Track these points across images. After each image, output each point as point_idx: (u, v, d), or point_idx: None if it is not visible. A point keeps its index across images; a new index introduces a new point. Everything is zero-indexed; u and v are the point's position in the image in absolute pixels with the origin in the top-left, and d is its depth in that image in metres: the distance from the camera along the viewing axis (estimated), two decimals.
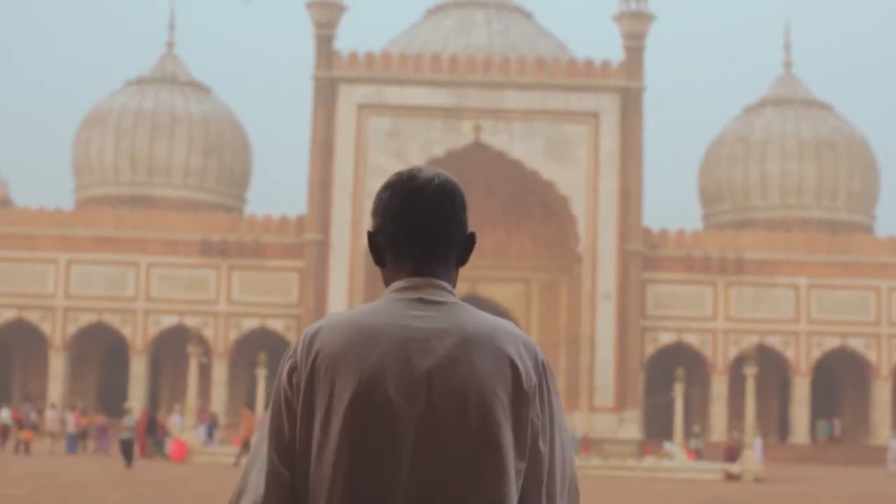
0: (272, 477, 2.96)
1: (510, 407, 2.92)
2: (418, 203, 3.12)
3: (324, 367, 2.95)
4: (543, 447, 2.98)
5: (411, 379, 2.90)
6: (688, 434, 57.30)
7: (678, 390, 54.12)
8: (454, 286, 3.13)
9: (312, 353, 2.98)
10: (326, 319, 3.07)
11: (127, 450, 37.61)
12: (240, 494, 3.02)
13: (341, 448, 2.90)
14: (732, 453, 47.88)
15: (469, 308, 3.06)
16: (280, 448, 2.99)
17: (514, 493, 2.90)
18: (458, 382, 2.90)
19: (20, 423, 46.93)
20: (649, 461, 47.89)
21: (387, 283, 3.15)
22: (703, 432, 57.62)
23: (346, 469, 2.88)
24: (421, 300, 3.02)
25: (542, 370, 3.02)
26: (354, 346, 2.93)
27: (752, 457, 43.11)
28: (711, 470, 44.38)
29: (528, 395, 2.94)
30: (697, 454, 54.19)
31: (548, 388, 3.03)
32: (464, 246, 3.16)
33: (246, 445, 42.43)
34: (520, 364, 2.96)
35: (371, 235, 3.16)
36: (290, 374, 3.02)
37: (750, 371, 47.83)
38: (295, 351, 3.06)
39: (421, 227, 3.09)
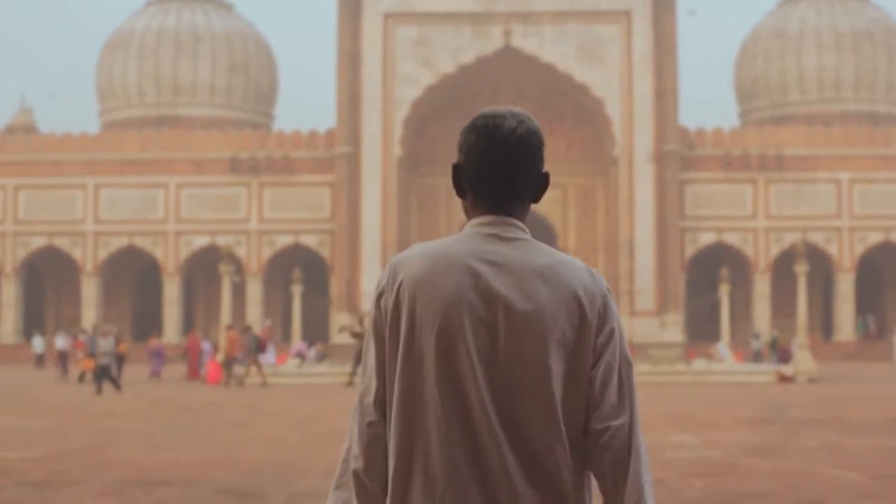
0: (375, 397, 3.29)
1: (574, 334, 3.18)
2: (501, 152, 3.29)
3: (408, 291, 3.21)
4: (609, 361, 3.20)
5: (484, 304, 3.17)
6: (734, 335, 56.18)
7: (723, 291, 52.93)
8: (525, 221, 3.33)
9: (398, 280, 3.23)
10: (410, 249, 3.31)
11: (99, 375, 36.27)
12: (355, 407, 3.35)
13: (421, 363, 3.19)
14: (785, 354, 46.75)
15: (540, 245, 3.29)
16: (378, 369, 3.29)
17: (560, 411, 3.16)
18: (524, 309, 3.15)
19: (85, 352, 45.82)
20: (700, 364, 46.80)
21: (467, 213, 3.37)
22: (762, 334, 56.33)
23: (426, 382, 3.18)
24: (497, 236, 3.25)
25: (605, 303, 3.24)
26: (435, 272, 3.20)
27: (806, 357, 41.92)
28: (764, 372, 43.17)
29: (591, 323, 3.19)
30: (756, 356, 52.99)
31: (609, 317, 3.24)
32: (539, 186, 3.39)
33: (229, 363, 41.50)
34: (583, 296, 3.19)
35: (455, 169, 3.36)
36: (378, 300, 3.29)
37: (800, 268, 46.59)
38: (382, 278, 3.30)
39: (501, 173, 3.29)
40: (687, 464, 15.06)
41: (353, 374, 39.43)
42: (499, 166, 3.28)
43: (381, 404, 3.27)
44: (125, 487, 13.25)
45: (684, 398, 30.28)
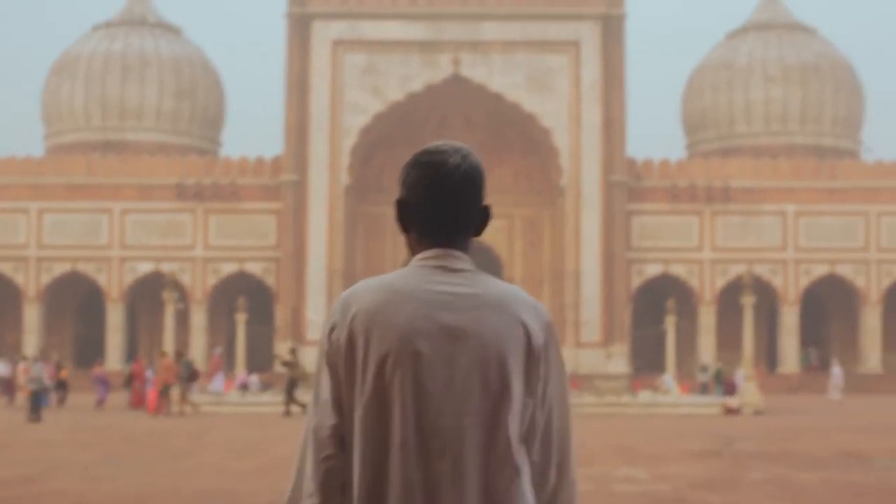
0: (331, 432, 3.31)
1: (522, 363, 3.26)
2: (445, 189, 3.36)
3: (361, 324, 3.26)
4: (549, 395, 3.34)
5: (438, 335, 3.24)
6: (680, 367, 56.14)
7: (669, 322, 52.95)
8: (468, 254, 3.41)
9: (350, 314, 3.29)
10: (360, 284, 3.37)
11: (35, 402, 35.69)
12: (305, 443, 3.36)
13: (381, 395, 3.23)
14: (731, 386, 46.75)
15: (485, 276, 3.37)
16: (334, 404, 3.33)
17: (517, 434, 3.25)
18: (478, 338, 3.24)
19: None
20: (645, 396, 46.69)
21: (411, 248, 3.44)
22: (709, 366, 56.25)
23: (383, 414, 3.22)
24: (444, 268, 3.33)
25: (548, 331, 3.34)
26: (388, 305, 3.25)
27: (752, 389, 41.90)
28: (710, 404, 43.11)
29: (537, 353, 3.29)
30: (703, 388, 52.93)
31: (553, 346, 3.35)
32: (481, 220, 3.46)
33: (165, 391, 41.01)
34: (530, 326, 3.29)
35: (399, 205, 3.43)
36: (329, 334, 3.34)
37: (747, 300, 46.61)
38: (333, 313, 3.36)
39: (446, 209, 3.37)
40: (635, 498, 14.88)
41: (287, 402, 39.08)
42: (443, 202, 3.36)
43: (339, 438, 3.30)
44: None
45: (631, 430, 30.15)
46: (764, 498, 15.01)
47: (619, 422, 34.65)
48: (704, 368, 54.82)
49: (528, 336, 3.27)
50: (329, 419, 3.30)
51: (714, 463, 20.07)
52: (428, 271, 3.32)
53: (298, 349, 49.68)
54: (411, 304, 3.25)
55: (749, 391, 41.89)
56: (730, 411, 40.38)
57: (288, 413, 38.42)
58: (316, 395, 3.35)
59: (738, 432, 28.77)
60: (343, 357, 3.28)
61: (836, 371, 56.97)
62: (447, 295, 3.27)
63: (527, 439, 3.30)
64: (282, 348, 50.41)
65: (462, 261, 3.36)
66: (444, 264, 3.33)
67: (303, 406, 38.94)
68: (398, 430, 3.21)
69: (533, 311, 3.33)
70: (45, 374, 38.32)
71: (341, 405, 3.30)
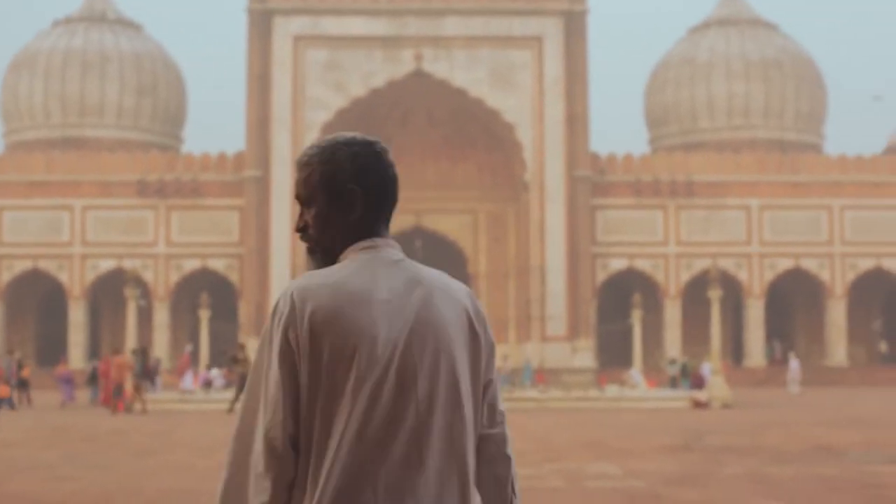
0: (284, 433, 3.22)
1: (470, 344, 3.35)
2: (384, 173, 3.42)
3: (322, 323, 3.21)
4: (491, 370, 3.43)
5: (400, 329, 3.25)
6: (646, 361, 56.01)
7: (636, 316, 52.86)
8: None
9: (307, 312, 3.22)
10: (310, 280, 3.30)
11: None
12: (238, 461, 3.27)
13: (342, 391, 3.21)
14: (698, 380, 46.63)
15: (417, 264, 3.43)
16: (288, 405, 3.24)
17: (469, 412, 3.33)
18: (434, 327, 3.29)
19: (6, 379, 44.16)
20: (613, 391, 46.52)
21: (344, 235, 3.41)
22: (677, 360, 56.09)
23: (346, 409, 3.20)
24: (388, 261, 3.36)
25: (480, 314, 3.43)
26: (348, 305, 3.23)
27: (720, 383, 41.79)
28: (678, 398, 42.93)
29: (478, 334, 3.38)
30: (672, 382, 52.75)
31: (487, 327, 3.43)
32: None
33: (119, 390, 40.53)
34: (470, 309, 3.39)
35: (350, 193, 3.42)
36: (285, 331, 3.24)
37: (714, 294, 46.29)
38: (284, 312, 3.26)
39: (380, 200, 3.42)
40: (609, 495, 14.65)
41: (235, 400, 38.54)
42: (380, 191, 3.41)
43: (291, 435, 3.23)
44: None
45: (599, 425, 29.94)
46: (739, 493, 14.81)
47: (587, 416, 34.47)
48: (673, 362, 54.69)
49: (470, 321, 3.38)
50: (279, 417, 3.22)
51: (686, 458, 19.86)
52: (374, 265, 3.35)
53: (250, 345, 49.14)
54: (369, 302, 3.25)
55: (717, 385, 41.78)
56: (698, 405, 40.25)
57: (231, 410, 37.95)
58: (264, 392, 3.26)
59: (708, 426, 28.59)
60: (305, 357, 3.23)
61: (794, 364, 57.09)
62: (397, 288, 3.31)
63: (484, 412, 3.41)
64: (230, 346, 49.37)
65: (397, 250, 3.44)
66: (385, 255, 3.38)
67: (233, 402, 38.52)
68: (367, 425, 3.19)
69: (468, 295, 3.44)
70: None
71: (297, 404, 3.24)
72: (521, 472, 17.61)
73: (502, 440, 3.42)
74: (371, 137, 3.49)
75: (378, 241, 3.40)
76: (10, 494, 15.30)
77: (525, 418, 33.41)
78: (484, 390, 3.39)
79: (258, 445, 3.23)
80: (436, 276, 3.40)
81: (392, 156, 3.48)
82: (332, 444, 3.18)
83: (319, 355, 3.21)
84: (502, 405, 3.47)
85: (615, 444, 22.89)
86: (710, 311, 47.80)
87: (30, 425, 31.73)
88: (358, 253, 3.38)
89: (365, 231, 3.40)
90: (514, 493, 3.46)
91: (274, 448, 3.20)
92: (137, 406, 39.67)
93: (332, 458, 3.17)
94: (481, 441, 3.38)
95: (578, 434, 25.75)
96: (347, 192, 3.37)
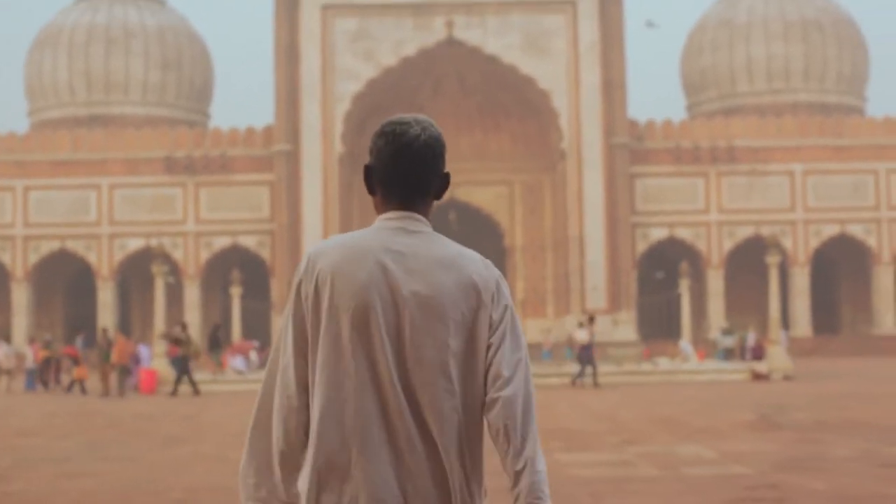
0: (298, 375, 3.60)
1: (472, 315, 3.55)
2: (405, 157, 3.67)
3: (327, 278, 3.55)
4: (496, 335, 3.57)
5: (392, 289, 3.53)
6: (696, 333, 54.02)
7: (683, 286, 51.01)
8: (428, 217, 3.72)
9: (316, 269, 3.59)
10: (326, 240, 3.68)
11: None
12: (266, 394, 3.69)
13: (339, 342, 3.52)
14: (758, 351, 44.79)
15: (441, 237, 3.67)
16: (297, 349, 3.62)
17: (458, 381, 3.53)
18: (427, 293, 3.53)
19: (76, 359, 42.57)
20: (665, 363, 44.80)
21: (376, 208, 3.74)
22: (731, 329, 53.88)
23: (342, 358, 3.52)
24: (403, 229, 3.64)
25: (499, 288, 3.61)
26: (350, 262, 3.56)
27: (781, 353, 40.06)
28: (736, 370, 41.11)
29: (486, 305, 3.56)
30: (727, 354, 50.67)
31: (502, 295, 3.61)
32: (440, 185, 3.74)
33: (125, 371, 39.06)
34: (479, 281, 3.57)
35: (366, 170, 3.73)
36: (297, 287, 3.63)
37: (772, 260, 44.07)
38: (300, 267, 3.64)
39: (407, 174, 3.68)
40: (718, 485, 12.89)
41: (177, 383, 36.96)
42: (404, 168, 3.68)
43: (302, 380, 3.60)
44: None
45: (663, 400, 28.23)
46: (869, 481, 13.05)
47: (645, 391, 32.86)
48: (729, 332, 52.61)
49: (477, 292, 3.55)
50: (294, 363, 3.60)
51: (779, 437, 18.10)
52: (389, 231, 3.62)
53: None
54: (369, 263, 3.54)
55: (777, 356, 40.07)
56: (758, 377, 38.49)
57: (175, 393, 36.43)
58: (284, 344, 3.65)
59: (781, 399, 26.87)
60: (310, 308, 3.58)
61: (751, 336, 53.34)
62: (402, 255, 3.56)
63: (486, 380, 3.57)
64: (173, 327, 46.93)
65: (419, 222, 3.66)
66: (403, 225, 3.64)
67: (194, 385, 36.93)
68: (353, 373, 3.51)
69: (483, 268, 3.61)
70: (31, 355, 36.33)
71: (305, 352, 3.60)
72: (603, 457, 16.01)
73: (509, 400, 3.52)
74: (407, 117, 3.71)
75: (402, 213, 3.66)
76: (11, 495, 13.52)
77: (581, 395, 31.83)
78: (487, 355, 3.56)
79: (278, 386, 3.64)
80: (447, 249, 3.62)
81: (427, 133, 3.67)
82: (319, 384, 3.55)
83: (320, 307, 3.56)
84: (508, 371, 3.55)
85: (691, 422, 21.16)
86: (753, 280, 46.14)
87: (52, 410, 30.16)
88: (380, 221, 3.68)
89: (392, 204, 3.68)
90: (526, 443, 3.53)
91: (287, 387, 3.61)
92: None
93: (319, 397, 3.54)
94: (489, 402, 3.54)
95: (647, 411, 24.08)
96: (365, 170, 3.73)
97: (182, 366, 37.32)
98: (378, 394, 3.48)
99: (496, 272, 3.63)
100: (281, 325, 3.69)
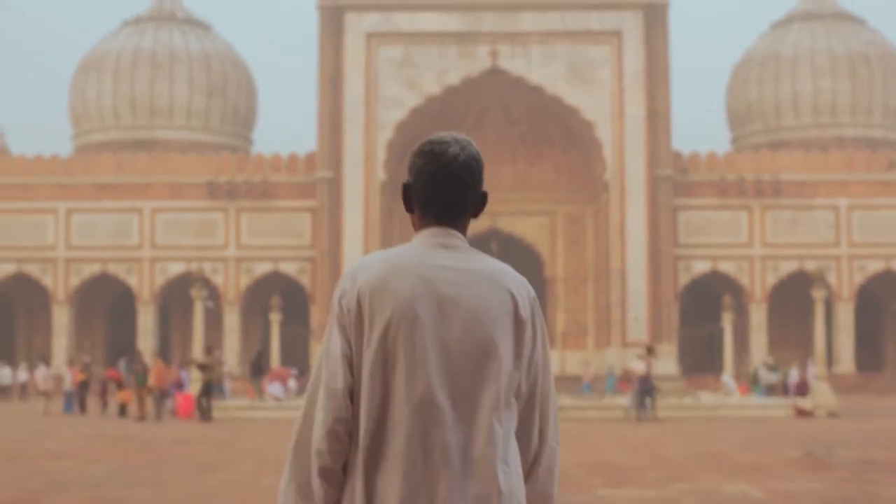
0: (343, 384, 3.63)
1: (511, 329, 3.63)
2: (443, 176, 3.74)
3: (368, 292, 3.61)
4: (534, 363, 3.70)
5: (434, 302, 3.59)
6: (739, 368, 53.36)
7: (727, 320, 50.50)
8: (466, 234, 3.79)
9: (357, 283, 3.64)
10: (368, 256, 3.76)
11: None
12: (308, 414, 3.71)
13: (384, 354, 3.58)
14: (802, 387, 44.20)
15: (478, 253, 3.74)
16: (344, 360, 3.64)
17: (504, 392, 3.60)
18: (469, 306, 3.60)
19: (119, 383, 42.48)
20: (707, 398, 44.29)
21: (414, 226, 3.82)
22: (776, 365, 53.20)
23: (388, 370, 3.58)
24: (442, 245, 3.72)
25: (534, 304, 3.72)
26: (391, 277, 3.62)
27: (825, 389, 39.56)
28: (780, 405, 40.55)
29: (524, 321, 3.65)
30: (770, 389, 50.03)
31: (538, 318, 3.73)
32: (478, 204, 3.82)
33: (162, 395, 38.94)
34: (518, 297, 3.66)
35: (405, 188, 3.81)
36: (339, 299, 3.68)
37: (818, 294, 43.84)
38: (343, 282, 3.71)
39: (445, 192, 3.75)
40: None
41: (206, 406, 37.03)
42: (442, 186, 3.75)
43: (348, 390, 3.62)
44: None
45: (709, 436, 27.82)
46: None
47: (689, 426, 32.42)
48: (773, 368, 52.01)
49: (515, 305, 3.64)
50: (340, 372, 3.63)
51: (830, 476, 17.67)
52: (427, 248, 3.70)
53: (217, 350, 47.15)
54: (412, 277, 3.60)
55: (822, 392, 39.56)
56: (802, 413, 37.97)
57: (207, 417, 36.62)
58: (327, 352, 3.68)
59: (829, 437, 26.38)
60: (353, 320, 3.63)
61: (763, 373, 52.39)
62: (443, 269, 3.64)
63: (512, 403, 3.65)
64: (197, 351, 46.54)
65: (457, 238, 3.74)
66: (441, 241, 3.72)
67: (208, 410, 36.90)
68: (399, 385, 3.56)
69: (521, 284, 3.70)
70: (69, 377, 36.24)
71: (350, 362, 3.64)
72: (647, 494, 15.65)
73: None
74: (446, 135, 3.78)
75: (440, 230, 3.74)
76: None
77: (622, 428, 31.44)
78: (526, 367, 3.67)
79: (322, 396, 3.65)
80: (486, 264, 3.70)
81: (466, 153, 3.73)
82: (364, 396, 3.59)
83: (362, 321, 3.61)
84: (541, 390, 3.72)
85: (737, 458, 20.75)
86: (796, 314, 45.46)
87: (88, 433, 29.99)
88: (419, 238, 3.75)
89: (430, 221, 3.76)
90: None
91: (332, 398, 3.61)
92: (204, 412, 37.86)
93: (365, 410, 3.58)
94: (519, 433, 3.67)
95: (691, 446, 23.67)
96: (404, 188, 3.81)
97: (204, 390, 37.30)
98: (423, 407, 3.53)
99: (532, 292, 3.74)
100: (323, 340, 3.73)
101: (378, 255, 3.71)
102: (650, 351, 39.06)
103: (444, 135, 3.78)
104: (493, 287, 3.63)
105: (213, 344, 55.12)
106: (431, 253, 3.67)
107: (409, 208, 3.82)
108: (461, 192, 3.73)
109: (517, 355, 3.64)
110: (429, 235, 3.72)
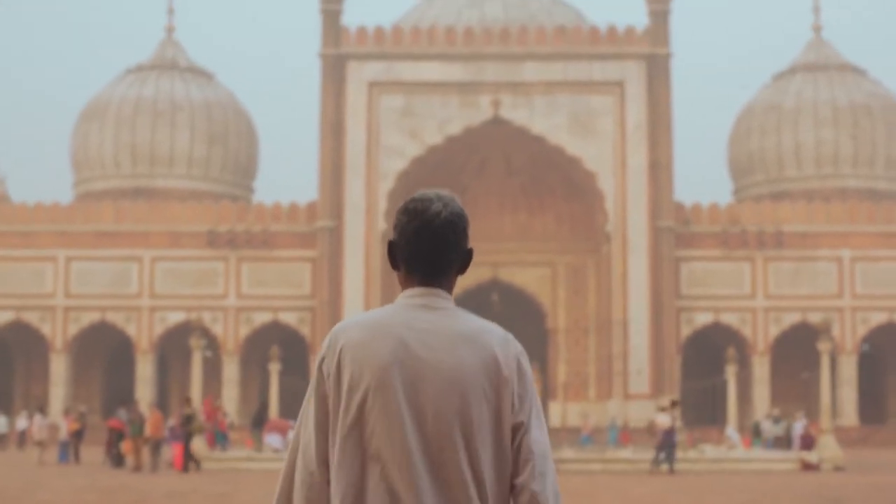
0: (319, 452, 3.67)
1: (493, 389, 3.61)
2: (426, 234, 3.73)
3: (348, 356, 3.64)
4: (523, 413, 3.65)
5: (413, 366, 3.59)
6: (742, 421, 52.84)
7: (730, 372, 50.06)
8: (452, 292, 3.79)
9: (339, 347, 3.67)
10: (349, 319, 3.74)
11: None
12: (290, 466, 3.76)
13: (361, 419, 3.59)
14: (808, 441, 43.71)
15: (464, 313, 3.73)
16: (319, 426, 3.69)
17: (483, 454, 3.58)
18: (445, 371, 3.60)
19: (121, 433, 41.92)
20: (711, 451, 43.81)
21: (401, 284, 3.82)
22: (781, 417, 52.70)
23: (366, 435, 3.59)
24: (425, 306, 3.71)
25: (520, 358, 3.70)
26: (372, 339, 3.63)
27: (831, 443, 39.11)
28: (785, 459, 40.07)
29: (507, 379, 3.63)
30: (775, 442, 49.50)
31: (523, 374, 3.68)
32: (463, 261, 3.82)
33: (157, 445, 38.52)
34: (500, 356, 3.64)
35: (390, 245, 3.81)
36: (320, 364, 3.71)
37: (824, 346, 43.39)
38: (324, 345, 3.74)
39: (429, 251, 3.75)
40: None
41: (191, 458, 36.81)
42: (426, 245, 3.75)
43: (323, 456, 3.68)
44: None
45: (714, 490, 27.38)
46: None
47: (692, 480, 31.97)
48: (777, 420, 51.54)
49: (497, 365, 3.62)
50: (315, 440, 3.69)
51: None
52: (410, 309, 3.70)
53: None
54: (391, 341, 3.62)
55: (828, 445, 39.11)
56: (808, 467, 37.53)
57: (197, 468, 36.31)
58: (305, 419, 3.74)
59: (837, 492, 25.93)
60: (332, 385, 3.67)
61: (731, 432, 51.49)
62: (423, 332, 3.63)
63: (514, 459, 3.64)
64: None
65: (440, 298, 3.74)
66: (426, 302, 3.72)
67: (187, 461, 36.72)
68: (377, 450, 3.56)
69: (504, 342, 3.68)
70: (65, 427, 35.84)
71: (326, 429, 3.68)
72: None
73: (544, 497, 3.59)
74: (430, 193, 3.80)
75: (424, 290, 3.74)
76: None
77: (625, 482, 30.99)
78: (513, 433, 3.64)
79: (300, 462, 3.72)
80: (470, 325, 3.69)
81: (448, 210, 3.74)
82: (341, 461, 3.60)
83: (341, 385, 3.65)
84: (538, 447, 3.63)
85: None
86: (799, 367, 45.05)
87: (82, 484, 29.55)
88: (404, 298, 3.76)
89: (415, 279, 3.76)
90: None
91: (308, 465, 3.69)
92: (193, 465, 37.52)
93: (342, 475, 3.60)
94: (520, 488, 3.59)
95: (697, 501, 23.23)
96: (389, 246, 3.82)
97: (185, 440, 37.04)
98: (401, 472, 3.52)
99: (518, 347, 3.72)
100: (303, 406, 3.77)
101: (360, 318, 3.72)
102: (674, 404, 38.71)
103: (428, 192, 3.80)
104: (474, 348, 3.63)
105: (215, 393, 54.83)
106: (414, 314, 3.67)
107: (394, 266, 3.82)
108: (444, 249, 3.74)
109: (498, 414, 3.61)
110: (412, 295, 3.73)
